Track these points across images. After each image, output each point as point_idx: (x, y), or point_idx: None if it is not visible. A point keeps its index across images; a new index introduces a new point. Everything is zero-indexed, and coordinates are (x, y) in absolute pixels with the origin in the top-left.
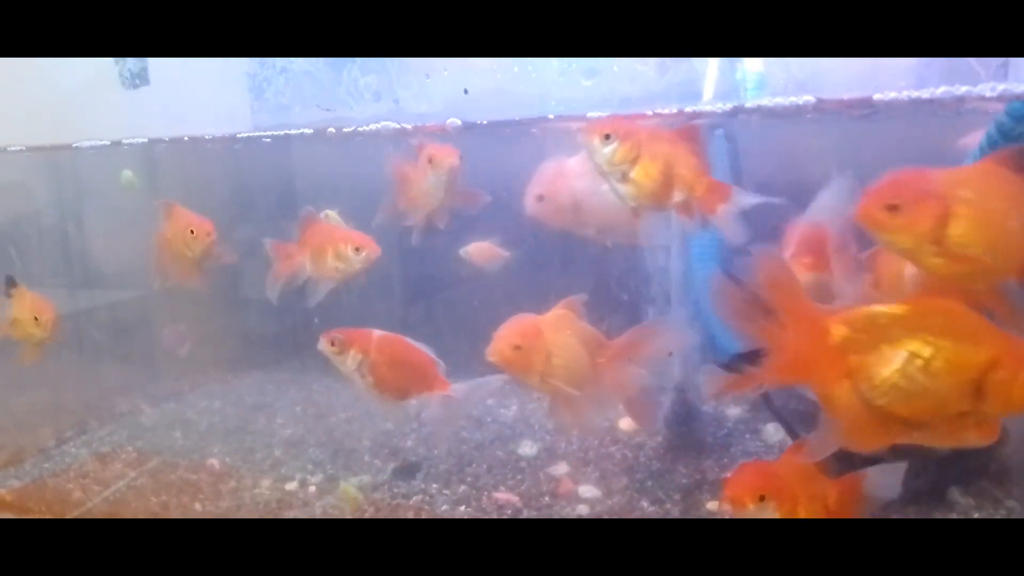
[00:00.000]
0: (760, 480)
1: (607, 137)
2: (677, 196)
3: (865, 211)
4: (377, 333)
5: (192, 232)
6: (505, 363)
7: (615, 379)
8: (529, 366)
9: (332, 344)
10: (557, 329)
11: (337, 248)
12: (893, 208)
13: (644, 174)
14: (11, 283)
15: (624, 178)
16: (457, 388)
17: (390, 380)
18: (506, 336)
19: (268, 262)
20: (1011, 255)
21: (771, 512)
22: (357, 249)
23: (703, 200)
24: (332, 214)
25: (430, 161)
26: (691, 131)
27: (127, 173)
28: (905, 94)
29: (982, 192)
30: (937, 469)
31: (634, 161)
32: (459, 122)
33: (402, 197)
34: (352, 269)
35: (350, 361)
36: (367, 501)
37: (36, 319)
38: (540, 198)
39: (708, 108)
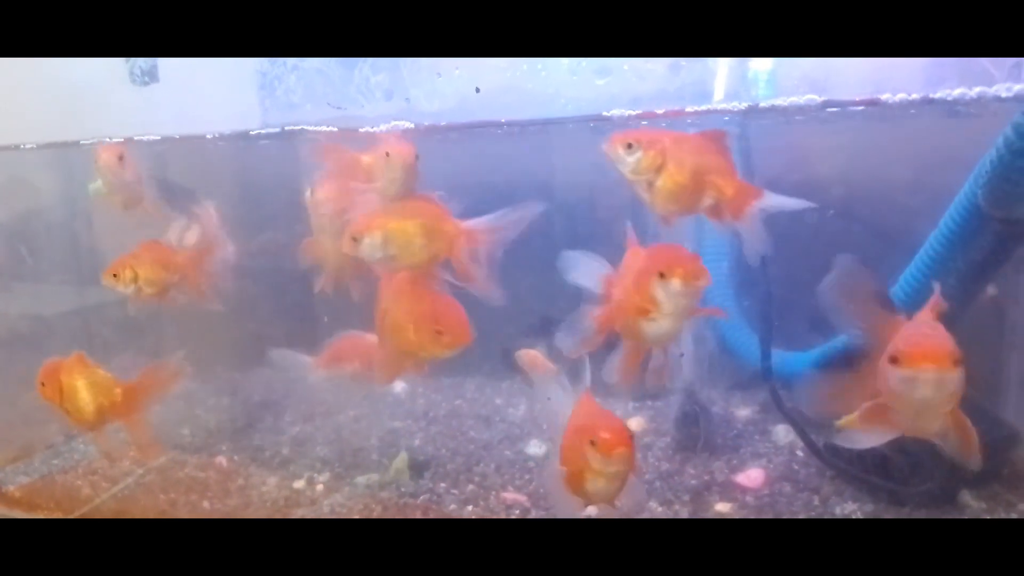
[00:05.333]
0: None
1: (629, 146)
2: (707, 200)
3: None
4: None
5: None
6: (352, 251)
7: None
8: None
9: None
10: (396, 216)
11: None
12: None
13: (670, 181)
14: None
15: (650, 186)
16: None
17: None
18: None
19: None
20: None
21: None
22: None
23: (732, 203)
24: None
25: (388, 154)
26: (716, 134)
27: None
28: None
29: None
30: (948, 472)
31: (659, 169)
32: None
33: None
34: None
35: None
36: (374, 500)
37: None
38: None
39: (721, 107)
